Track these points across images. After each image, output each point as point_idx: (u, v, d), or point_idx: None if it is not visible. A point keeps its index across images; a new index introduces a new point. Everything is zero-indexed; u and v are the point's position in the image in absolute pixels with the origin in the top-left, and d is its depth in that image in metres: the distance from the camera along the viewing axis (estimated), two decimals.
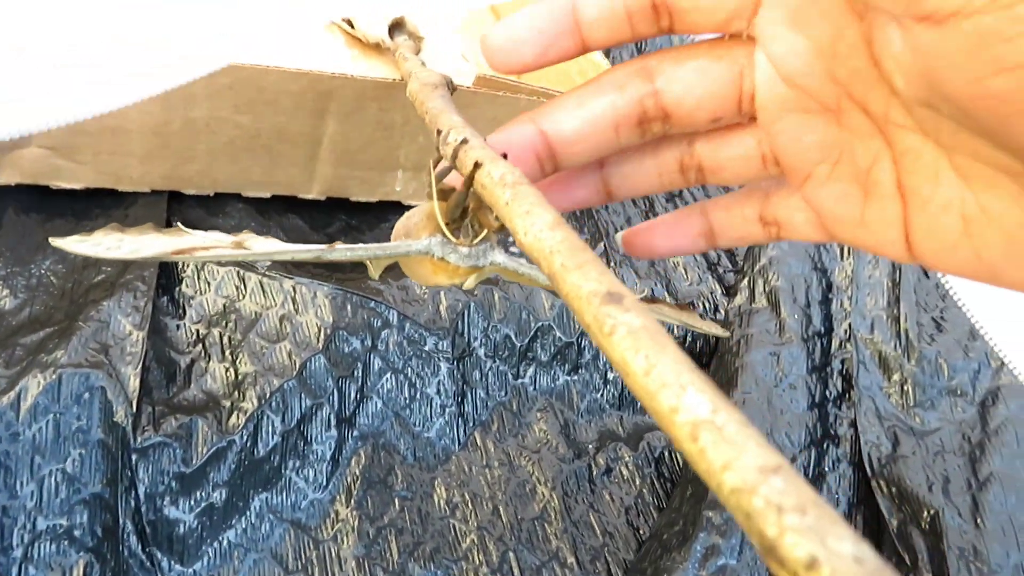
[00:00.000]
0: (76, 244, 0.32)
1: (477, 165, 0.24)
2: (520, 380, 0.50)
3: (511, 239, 0.24)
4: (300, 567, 0.41)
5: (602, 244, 0.60)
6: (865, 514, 0.45)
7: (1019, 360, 0.30)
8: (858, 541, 0.13)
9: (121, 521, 0.38)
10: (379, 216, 0.57)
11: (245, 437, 0.40)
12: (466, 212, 0.27)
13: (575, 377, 0.51)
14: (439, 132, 0.27)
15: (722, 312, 0.57)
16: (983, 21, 0.15)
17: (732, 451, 0.14)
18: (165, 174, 0.51)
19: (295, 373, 0.42)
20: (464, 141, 0.25)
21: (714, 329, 0.36)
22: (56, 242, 0.32)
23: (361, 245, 0.28)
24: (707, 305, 0.58)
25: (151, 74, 0.38)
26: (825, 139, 0.21)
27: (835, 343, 0.51)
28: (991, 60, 0.15)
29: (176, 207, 0.51)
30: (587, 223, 0.62)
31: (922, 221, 0.20)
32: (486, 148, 0.25)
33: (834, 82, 0.20)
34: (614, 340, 0.17)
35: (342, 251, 0.27)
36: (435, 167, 0.27)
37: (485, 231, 0.27)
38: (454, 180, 0.27)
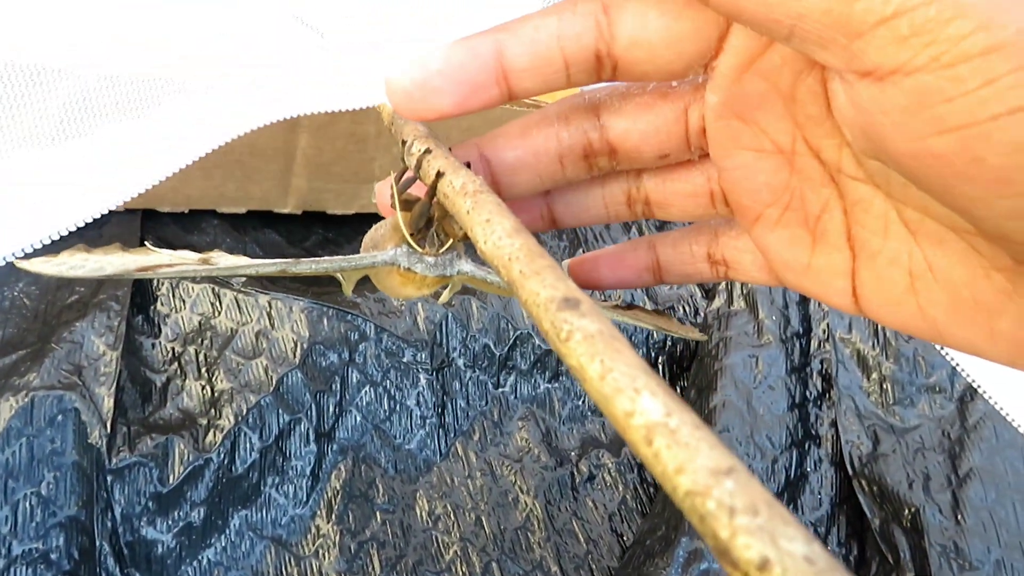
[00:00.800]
0: (41, 265, 0.32)
1: (439, 174, 0.24)
2: (500, 389, 0.49)
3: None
4: None
5: (580, 250, 0.60)
6: (848, 513, 0.45)
7: (984, 380, 0.31)
8: (810, 540, 0.13)
9: (98, 543, 0.38)
10: (356, 229, 0.57)
11: (222, 455, 0.40)
12: (431, 222, 0.27)
13: (556, 384, 0.51)
14: (404, 142, 0.27)
15: (702, 315, 0.57)
16: (924, 80, 0.15)
17: (685, 454, 0.14)
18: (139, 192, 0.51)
19: (272, 389, 0.42)
20: (427, 151, 0.25)
21: (691, 333, 0.36)
22: (22, 264, 0.32)
23: (326, 258, 0.28)
24: (687, 308, 0.58)
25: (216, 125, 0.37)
26: (777, 181, 0.21)
27: (814, 343, 0.51)
28: (931, 120, 0.15)
29: (150, 225, 0.51)
30: (566, 230, 0.62)
31: (869, 274, 0.20)
32: (449, 158, 0.25)
33: (792, 123, 0.20)
34: (571, 345, 0.17)
35: (307, 264, 0.27)
36: (399, 179, 0.27)
37: (450, 240, 0.27)
38: (419, 191, 0.27)
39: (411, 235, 0.27)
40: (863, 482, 0.45)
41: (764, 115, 0.20)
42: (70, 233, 0.45)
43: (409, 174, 0.27)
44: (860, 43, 0.16)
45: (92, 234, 0.49)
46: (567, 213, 0.26)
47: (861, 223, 0.20)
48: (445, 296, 0.30)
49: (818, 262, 0.22)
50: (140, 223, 0.50)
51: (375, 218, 0.57)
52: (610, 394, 0.16)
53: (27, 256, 0.27)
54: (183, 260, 0.29)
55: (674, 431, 0.14)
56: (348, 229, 0.57)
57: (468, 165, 0.24)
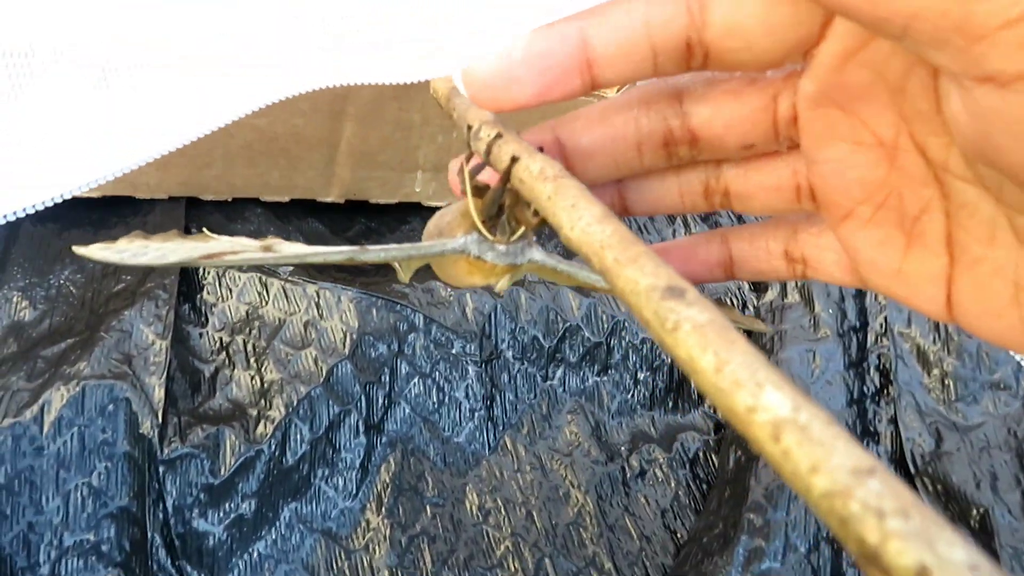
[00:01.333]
0: (100, 252, 0.31)
1: (514, 159, 0.23)
2: (549, 382, 0.48)
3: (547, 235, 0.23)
4: None
5: None
6: None
7: None
8: (970, 547, 0.12)
9: (149, 535, 0.37)
10: (399, 218, 0.56)
11: (273, 446, 0.39)
12: (502, 209, 0.26)
13: (605, 378, 0.50)
14: (470, 127, 0.26)
15: (751, 308, 0.56)
16: None
17: (820, 452, 0.13)
18: (182, 180, 0.50)
19: (322, 380, 0.41)
20: (498, 135, 0.24)
21: (755, 324, 0.34)
22: (80, 250, 0.31)
23: (395, 245, 0.27)
24: (735, 302, 0.57)
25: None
26: (873, 177, 0.19)
27: (871, 337, 0.49)
28: None
29: (194, 213, 0.50)
30: None
31: (968, 281, 0.19)
32: (521, 142, 0.24)
33: (897, 116, 0.18)
34: (679, 336, 0.16)
35: (375, 252, 0.26)
36: (467, 163, 0.26)
37: (523, 228, 0.26)
38: (488, 177, 0.26)
39: (482, 222, 0.26)
40: (926, 481, 0.43)
41: (866, 106, 0.19)
42: (115, 223, 0.45)
43: (476, 160, 0.26)
44: (981, 47, 0.14)
45: (136, 222, 0.49)
46: (640, 201, 0.25)
47: (965, 228, 0.19)
48: (503, 285, 0.29)
49: (911, 266, 0.20)
50: (184, 211, 0.50)
51: (418, 207, 0.56)
52: (728, 388, 0.15)
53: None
54: (245, 247, 0.28)
55: (804, 427, 0.13)
56: (391, 218, 0.56)
57: (541, 150, 0.23)
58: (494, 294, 0.47)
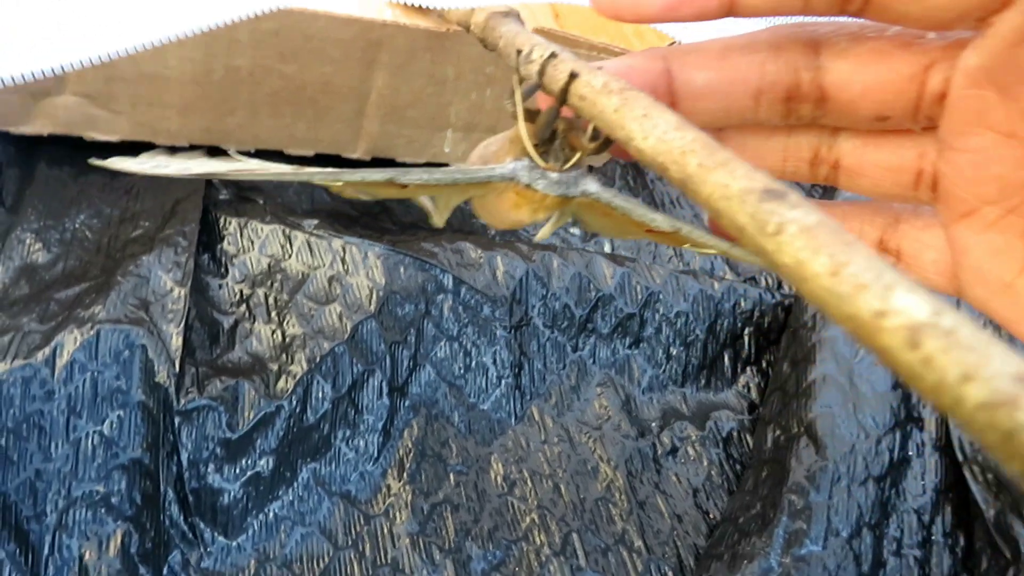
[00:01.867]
0: (120, 162, 0.29)
1: (573, 75, 0.21)
2: (579, 353, 0.46)
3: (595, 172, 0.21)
4: (350, 543, 0.38)
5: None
6: (954, 503, 0.42)
7: None
8: None
9: (162, 489, 0.35)
10: None
11: (294, 402, 0.38)
12: (555, 135, 0.24)
13: (636, 351, 0.48)
14: (519, 52, 0.24)
15: (785, 288, 0.54)
16: None
17: (973, 358, 0.11)
18: (205, 127, 0.48)
19: (346, 336, 0.39)
20: (552, 55, 0.22)
21: None
22: (97, 162, 0.29)
23: (439, 169, 0.25)
24: (769, 280, 0.55)
25: (193, 9, 0.36)
26: (1015, 178, 0.17)
27: None
28: None
29: None
30: (642, 192, 0.58)
31: None
32: (579, 61, 0.22)
33: None
34: (782, 240, 0.14)
35: (417, 175, 0.24)
36: (520, 85, 0.24)
37: (577, 155, 0.24)
38: (539, 102, 0.24)
39: (534, 147, 0.24)
40: (975, 470, 0.41)
41: None
42: (114, 174, 0.42)
43: (528, 83, 0.24)
44: None
45: None
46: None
47: None
48: (547, 230, 0.27)
49: None
50: None
51: (444, 168, 0.54)
52: (848, 292, 0.13)
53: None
54: (279, 169, 0.26)
55: (949, 332, 0.11)
56: None
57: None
58: (526, 258, 0.45)
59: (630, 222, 0.26)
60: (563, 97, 0.21)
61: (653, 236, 0.27)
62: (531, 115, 0.23)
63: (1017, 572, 0.38)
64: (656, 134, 0.17)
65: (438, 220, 0.29)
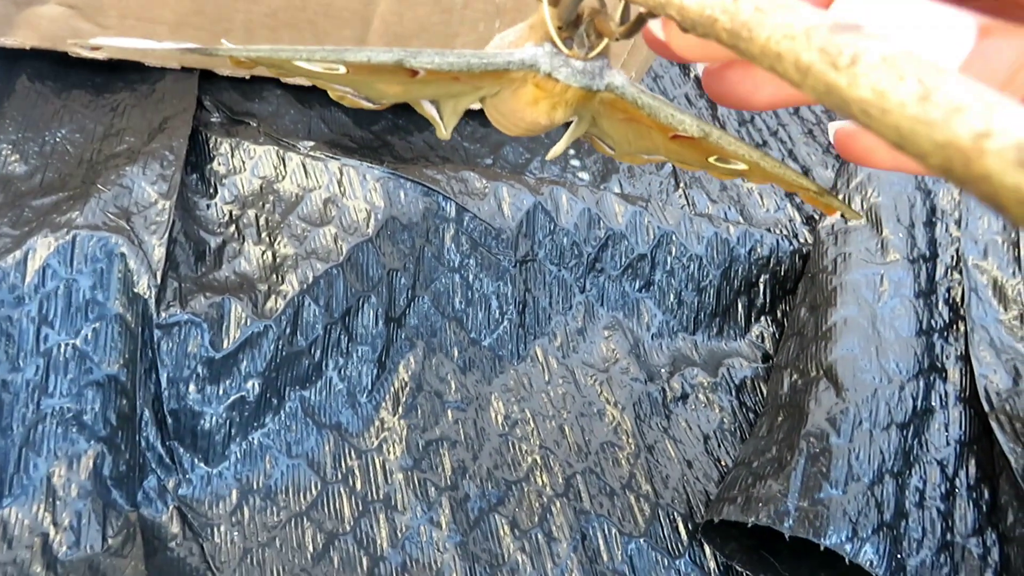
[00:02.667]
0: (105, 40, 0.27)
1: None
2: (586, 294, 0.44)
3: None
4: (340, 477, 0.35)
5: (669, 164, 0.55)
6: (978, 455, 0.40)
7: None
8: None
9: (138, 409, 0.33)
10: None
11: (283, 323, 0.35)
12: (579, 20, 0.22)
13: (646, 295, 0.45)
14: None
15: (801, 239, 0.52)
16: None
17: None
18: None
19: (342, 259, 0.37)
20: None
21: (848, 212, 0.29)
22: (75, 42, 0.27)
23: (453, 52, 0.22)
24: (786, 231, 0.52)
25: None
26: None
27: (940, 269, 0.45)
28: None
29: (208, 88, 0.46)
30: None
31: None
32: None
33: None
34: (858, 71, 0.12)
35: (429, 56, 0.22)
36: None
37: (604, 41, 0.22)
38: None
39: (558, 30, 0.21)
40: (1002, 419, 0.39)
41: None
42: (120, 88, 0.40)
43: None
44: None
45: (145, 89, 0.44)
46: None
47: None
48: (563, 143, 0.25)
49: None
50: (197, 84, 0.45)
51: None
52: (943, 117, 0.11)
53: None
54: (274, 48, 0.24)
55: None
56: (420, 117, 0.51)
57: None
58: (533, 190, 0.43)
59: (654, 128, 0.23)
60: None
61: (676, 148, 0.24)
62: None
63: None
64: None
65: (444, 130, 0.26)
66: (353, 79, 0.23)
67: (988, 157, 0.10)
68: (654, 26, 0.19)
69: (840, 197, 0.48)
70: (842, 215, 0.26)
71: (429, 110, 0.25)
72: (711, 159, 0.24)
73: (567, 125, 0.24)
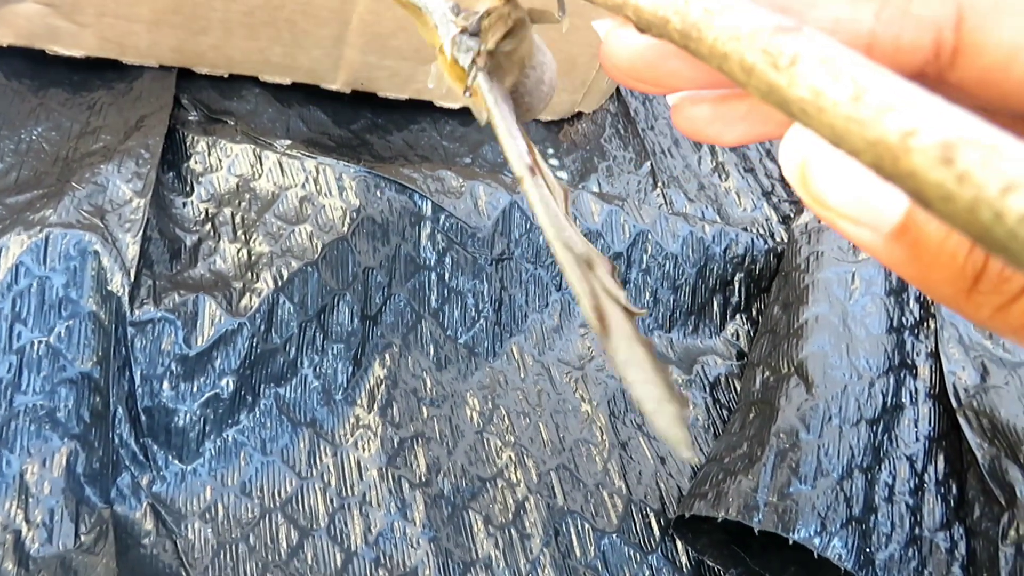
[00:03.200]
0: None
1: None
2: (562, 292, 0.44)
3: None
4: (315, 473, 0.36)
5: (648, 163, 0.55)
6: (947, 451, 0.40)
7: None
8: None
9: (112, 406, 0.33)
10: (407, 116, 0.52)
11: (258, 321, 0.35)
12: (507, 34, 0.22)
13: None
14: None
15: (777, 237, 0.52)
16: None
17: (1014, 167, 0.10)
18: (175, 47, 0.46)
19: (317, 257, 0.37)
20: None
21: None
22: None
23: None
24: (762, 230, 0.53)
25: None
26: None
27: None
28: None
29: (185, 85, 0.46)
30: (632, 141, 0.56)
31: None
32: None
33: None
34: (796, 71, 0.13)
35: None
36: None
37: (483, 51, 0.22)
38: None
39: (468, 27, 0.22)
40: (969, 416, 0.40)
41: None
42: (97, 86, 0.40)
43: None
44: None
45: (122, 87, 0.44)
46: None
47: None
48: (471, 101, 0.25)
49: None
50: (175, 82, 0.45)
51: (428, 106, 0.52)
52: (872, 116, 0.12)
53: None
54: None
55: (984, 144, 0.10)
56: (399, 116, 0.52)
57: None
58: (509, 189, 0.43)
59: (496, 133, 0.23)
60: None
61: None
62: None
63: (1012, 518, 0.36)
64: None
65: (480, 115, 0.26)
66: None
67: (912, 156, 0.11)
68: (614, 50, 0.18)
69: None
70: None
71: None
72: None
73: None
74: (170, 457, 0.34)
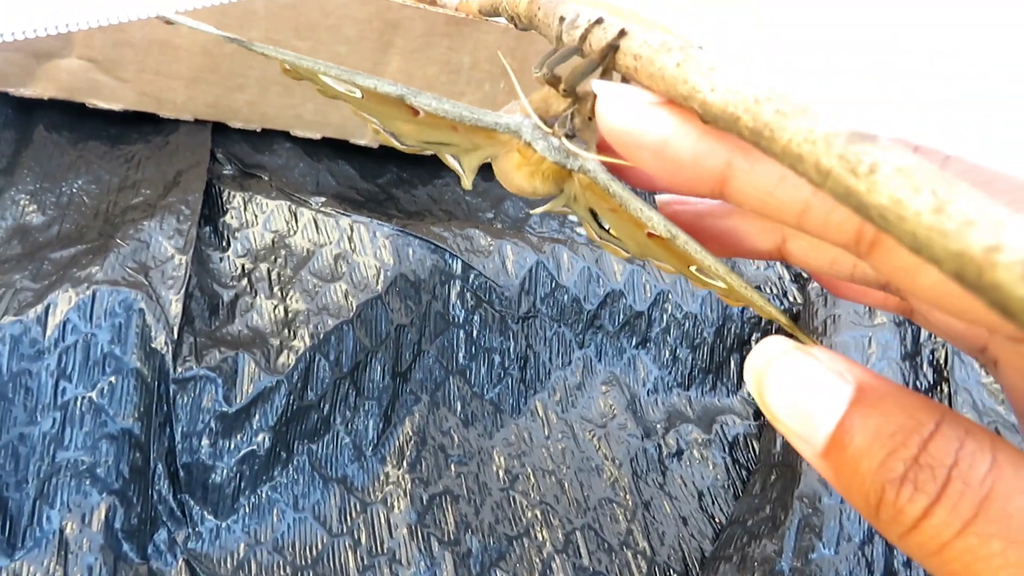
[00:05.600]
0: (178, 17, 0.28)
1: (623, 33, 0.20)
2: (585, 350, 0.45)
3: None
4: (345, 530, 0.36)
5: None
6: None
7: None
8: None
9: (152, 463, 0.33)
10: (432, 171, 0.53)
11: (295, 378, 0.36)
12: (573, 112, 0.23)
13: (643, 351, 0.46)
14: (562, 19, 0.23)
15: (791, 297, 0.53)
16: None
17: None
18: (211, 102, 0.47)
19: (352, 315, 0.38)
20: (598, 20, 0.21)
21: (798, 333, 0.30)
22: (161, 16, 0.28)
23: (450, 101, 0.23)
24: (775, 289, 0.54)
25: None
26: None
27: (924, 332, 0.47)
28: None
29: (220, 140, 0.47)
30: (648, 199, 0.58)
31: None
32: (632, 25, 0.21)
33: None
34: (877, 180, 0.13)
35: (428, 99, 0.23)
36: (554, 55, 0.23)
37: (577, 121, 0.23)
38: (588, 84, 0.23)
39: (545, 117, 0.23)
40: None
41: None
42: (135, 140, 0.41)
43: (568, 47, 0.23)
44: None
45: (159, 141, 0.45)
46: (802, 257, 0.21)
47: None
48: (544, 208, 0.26)
49: None
50: (210, 136, 0.46)
51: None
52: (956, 228, 0.12)
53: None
54: (297, 55, 0.25)
55: None
56: (423, 171, 0.53)
57: None
58: (536, 248, 0.44)
59: (632, 223, 0.24)
60: (607, 50, 0.20)
61: (655, 248, 0.25)
62: (557, 81, 0.23)
63: None
64: (726, 84, 0.16)
65: (467, 182, 0.28)
66: (370, 107, 0.24)
67: (998, 269, 0.11)
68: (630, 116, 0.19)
69: None
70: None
71: (451, 161, 0.27)
72: (692, 268, 0.24)
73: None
74: (206, 513, 0.34)
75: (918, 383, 0.45)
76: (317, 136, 0.50)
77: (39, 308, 0.33)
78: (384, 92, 0.23)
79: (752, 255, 0.22)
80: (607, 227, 0.27)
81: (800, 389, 0.15)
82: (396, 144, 0.26)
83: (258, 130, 0.49)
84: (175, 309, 0.35)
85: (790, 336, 0.19)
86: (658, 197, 0.24)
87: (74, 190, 0.41)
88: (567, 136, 0.23)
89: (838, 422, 0.14)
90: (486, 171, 0.53)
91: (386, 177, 0.52)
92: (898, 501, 0.13)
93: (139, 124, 0.46)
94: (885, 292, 0.21)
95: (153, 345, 0.34)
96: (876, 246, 0.15)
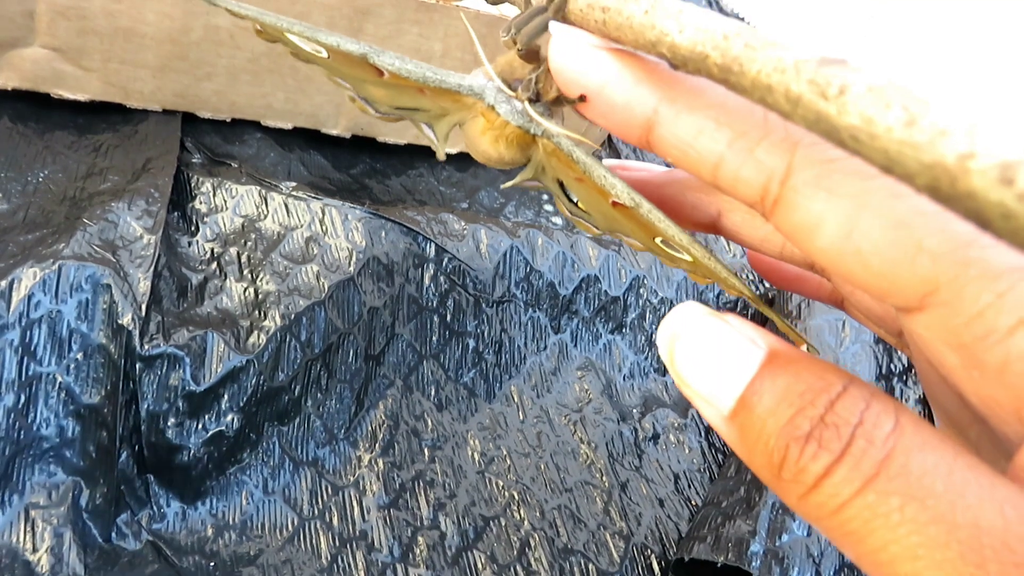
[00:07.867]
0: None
1: None
2: (560, 335, 0.45)
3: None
4: (316, 513, 0.35)
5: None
6: None
7: None
8: None
9: (118, 442, 0.33)
10: (405, 162, 0.53)
11: (265, 358, 0.36)
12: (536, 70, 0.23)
13: (618, 336, 0.46)
14: None
15: (767, 283, 0.53)
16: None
17: None
18: (179, 91, 0.46)
19: (324, 296, 0.38)
20: None
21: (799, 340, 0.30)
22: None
23: (414, 61, 0.23)
24: (751, 276, 0.54)
25: None
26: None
27: None
28: None
29: (189, 130, 0.47)
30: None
31: None
32: None
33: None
34: (847, 100, 0.13)
35: (390, 59, 0.23)
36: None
37: (540, 99, 0.23)
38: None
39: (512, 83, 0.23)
40: None
41: None
42: (103, 129, 0.41)
43: (534, 7, 0.23)
44: None
45: (127, 130, 0.45)
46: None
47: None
48: (515, 180, 0.26)
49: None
50: (179, 126, 0.46)
51: (426, 151, 0.53)
52: (928, 140, 0.12)
53: None
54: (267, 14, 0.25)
55: None
56: (397, 161, 0.53)
57: None
58: (510, 233, 0.44)
59: (597, 190, 0.24)
60: (560, 7, 0.20)
61: (620, 219, 0.25)
62: (528, 55, 0.23)
63: None
64: (694, 23, 0.17)
65: (439, 151, 0.28)
66: (340, 69, 0.24)
67: (971, 177, 0.11)
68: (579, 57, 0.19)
69: None
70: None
71: (424, 130, 0.26)
72: (657, 240, 0.24)
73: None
74: (171, 494, 0.34)
75: (892, 366, 0.45)
76: (288, 126, 0.50)
77: (2, 284, 0.32)
78: (347, 50, 0.23)
79: (690, 227, 0.22)
80: (576, 200, 0.26)
81: (711, 352, 0.15)
82: (370, 111, 0.26)
83: (228, 120, 0.48)
84: (143, 287, 0.34)
85: (765, 321, 0.19)
86: (603, 162, 0.24)
87: (40, 179, 0.40)
88: (530, 100, 0.23)
89: (748, 383, 0.14)
90: (460, 161, 0.53)
91: (359, 167, 0.51)
92: (801, 459, 0.13)
93: (107, 114, 0.46)
94: (815, 275, 0.22)
95: (120, 322, 0.33)
96: (779, 203, 0.15)
